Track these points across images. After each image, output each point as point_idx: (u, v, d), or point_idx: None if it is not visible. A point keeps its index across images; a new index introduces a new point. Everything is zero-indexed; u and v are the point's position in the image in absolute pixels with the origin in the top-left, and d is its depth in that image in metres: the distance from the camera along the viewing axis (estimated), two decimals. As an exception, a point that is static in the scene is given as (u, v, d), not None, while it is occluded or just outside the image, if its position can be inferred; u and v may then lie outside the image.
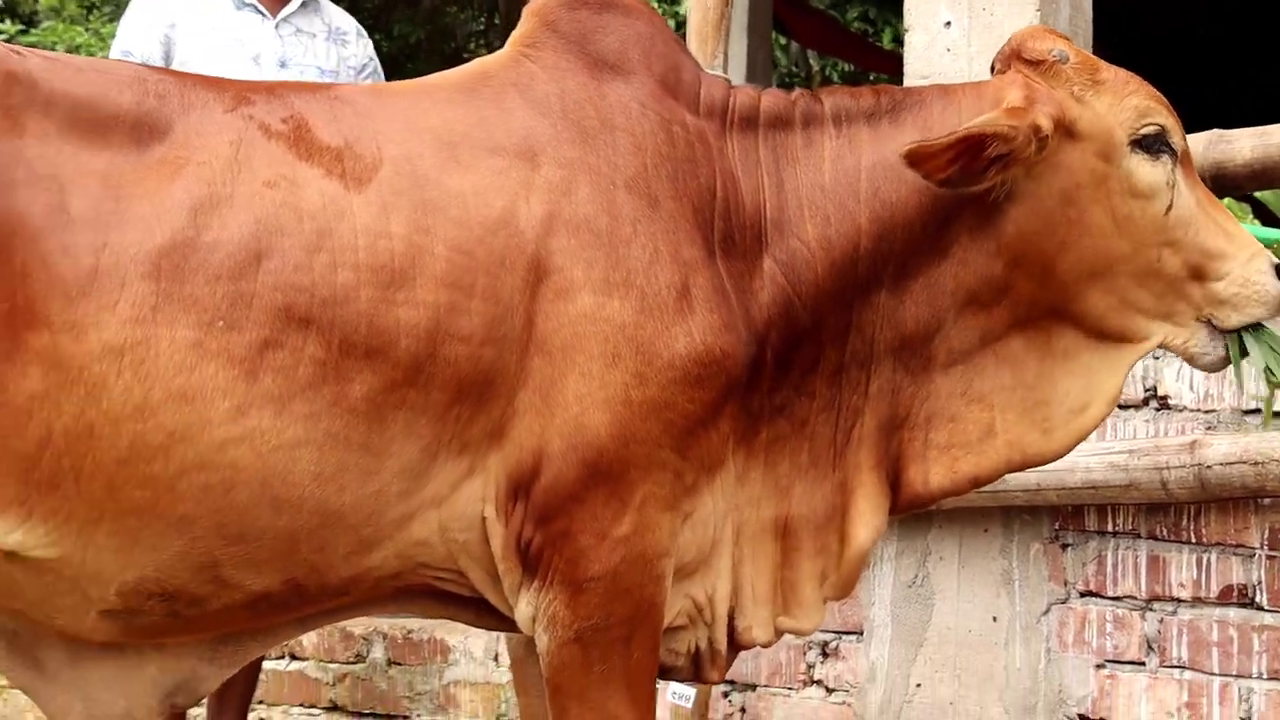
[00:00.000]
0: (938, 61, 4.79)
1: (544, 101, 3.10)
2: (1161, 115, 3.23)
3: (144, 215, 2.76)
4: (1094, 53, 3.43)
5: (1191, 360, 3.32)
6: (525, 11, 3.27)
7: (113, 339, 2.70)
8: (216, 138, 2.87)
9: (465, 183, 2.95)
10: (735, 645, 3.29)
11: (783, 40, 12.40)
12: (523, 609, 3.02)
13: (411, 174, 2.93)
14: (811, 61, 13.51)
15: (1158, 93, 3.27)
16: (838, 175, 3.20)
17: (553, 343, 2.92)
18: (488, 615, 3.17)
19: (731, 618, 3.25)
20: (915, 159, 3.01)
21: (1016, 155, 3.06)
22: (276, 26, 5.14)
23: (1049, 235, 3.18)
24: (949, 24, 4.79)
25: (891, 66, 12.33)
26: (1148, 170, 3.19)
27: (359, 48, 5.30)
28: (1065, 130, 3.15)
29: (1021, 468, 3.37)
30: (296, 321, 2.79)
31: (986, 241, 3.20)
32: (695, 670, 3.30)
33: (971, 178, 3.05)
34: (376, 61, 5.39)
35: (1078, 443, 3.33)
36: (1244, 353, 3.26)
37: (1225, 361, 3.29)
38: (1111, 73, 3.25)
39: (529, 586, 3.00)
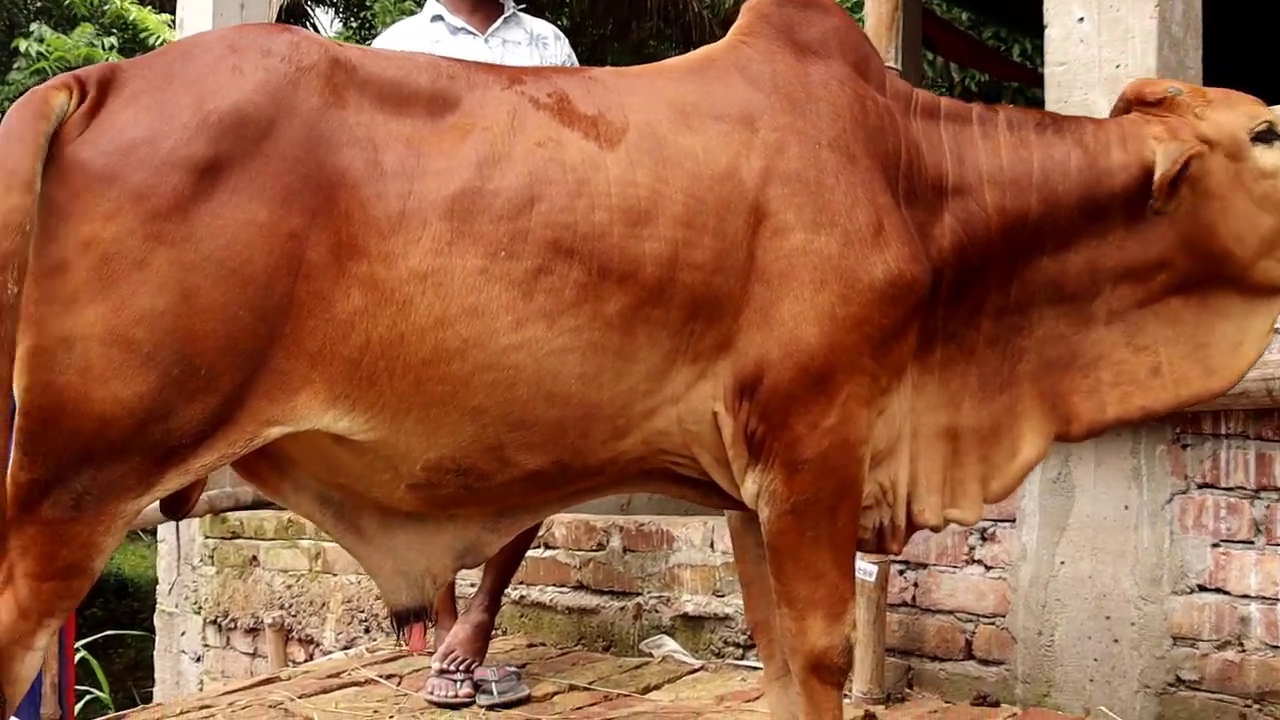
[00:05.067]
0: (1073, 51, 4.65)
1: (759, 78, 3.09)
2: (1267, 112, 3.24)
3: (440, 169, 2.79)
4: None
5: None
6: (743, 9, 3.29)
7: (417, 266, 2.73)
8: (496, 109, 2.89)
9: (696, 143, 2.95)
10: (911, 525, 3.28)
11: (929, 55, 12.18)
12: (748, 487, 3.03)
13: (652, 136, 2.93)
14: (953, 73, 13.25)
15: (1254, 97, 3.29)
16: (1014, 161, 3.21)
17: (770, 272, 2.91)
18: (712, 493, 3.18)
19: (909, 502, 3.24)
20: (1163, 185, 3.13)
21: (1196, 171, 3.15)
22: (486, 40, 5.13)
23: (1203, 225, 3.19)
24: (1081, 19, 4.65)
25: (1021, 76, 12.10)
26: (1270, 156, 3.19)
27: (557, 49, 5.25)
28: (1204, 143, 3.18)
29: (1190, 403, 3.32)
30: (563, 252, 2.80)
31: (1143, 233, 3.22)
32: (879, 543, 3.27)
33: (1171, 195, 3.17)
34: (575, 59, 5.34)
35: (1238, 379, 3.29)
36: None
37: None
38: (1216, 92, 3.27)
39: (754, 468, 3.00)
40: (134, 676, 11.51)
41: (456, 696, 4.76)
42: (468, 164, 2.80)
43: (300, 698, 4.91)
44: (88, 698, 9.07)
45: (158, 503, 2.87)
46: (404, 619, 3.07)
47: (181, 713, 4.82)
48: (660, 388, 2.92)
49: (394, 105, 2.84)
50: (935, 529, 3.27)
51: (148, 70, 2.74)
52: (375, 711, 4.71)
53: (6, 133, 2.58)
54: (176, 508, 2.97)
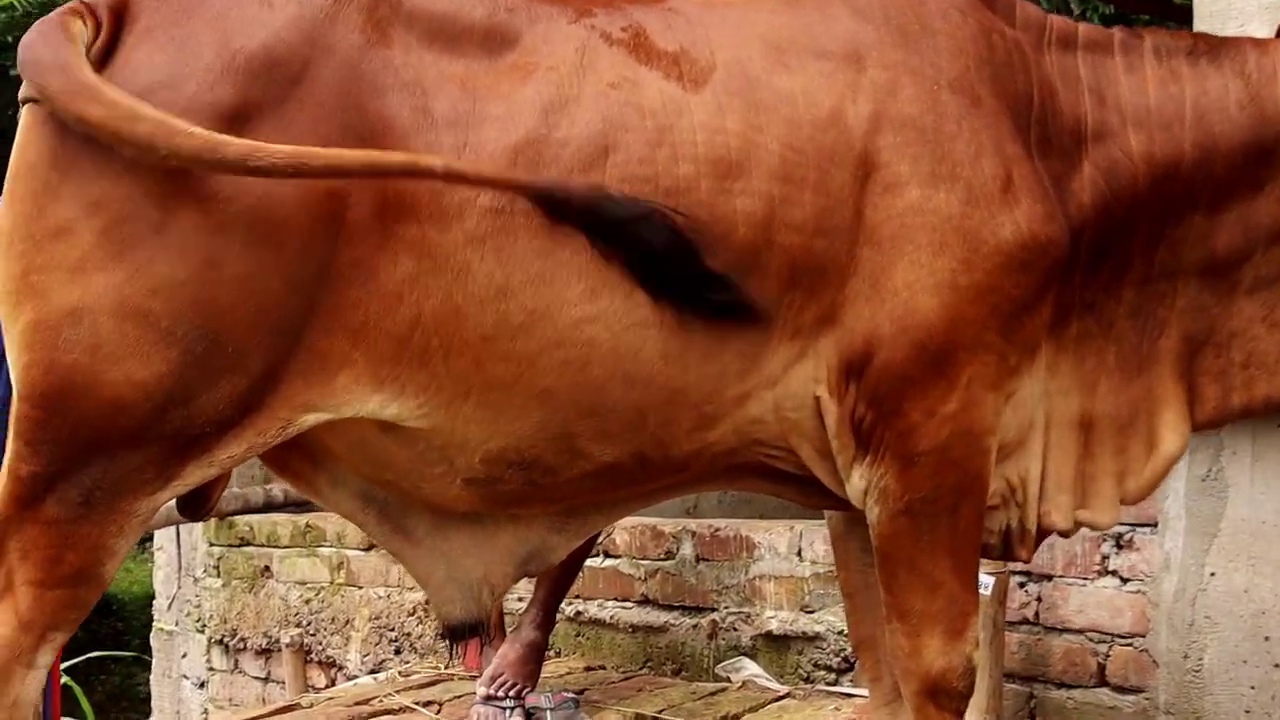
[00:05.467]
0: (1227, -14, 4.62)
1: (866, 9, 3.08)
2: None
3: (499, 115, 2.80)
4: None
5: None
6: None
7: (475, 228, 2.75)
8: (562, 45, 2.90)
9: (794, 84, 2.95)
10: (1039, 529, 3.28)
11: (1042, -17, 12.08)
12: (855, 483, 3.03)
13: (743, 76, 2.94)
14: (1072, 5, 13.16)
15: None
16: (1162, 99, 3.18)
17: (881, 233, 2.92)
18: (813, 492, 3.19)
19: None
20: None
21: None
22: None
23: None
24: (1236, -49, 4.62)
25: (1158, 7, 11.96)
26: None
27: None
28: None
29: None
30: None
31: None
32: (1005, 549, 3.28)
33: None
34: None
35: None
36: None
37: None
38: None
39: (861, 461, 3.01)
40: (119, 706, 11.61)
41: (506, 727, 4.79)
42: (531, 109, 2.82)
43: (326, 728, 4.97)
44: (71, 730, 9.15)
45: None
46: (458, 634, 3.09)
47: (191, 745, 4.89)
48: (754, 369, 2.93)
49: (445, 42, 2.86)
50: (1064, 533, 3.27)
51: (164, 1, 2.77)
52: (413, 744, 4.76)
53: (42, 65, 2.62)
54: (196, 507, 3.00)
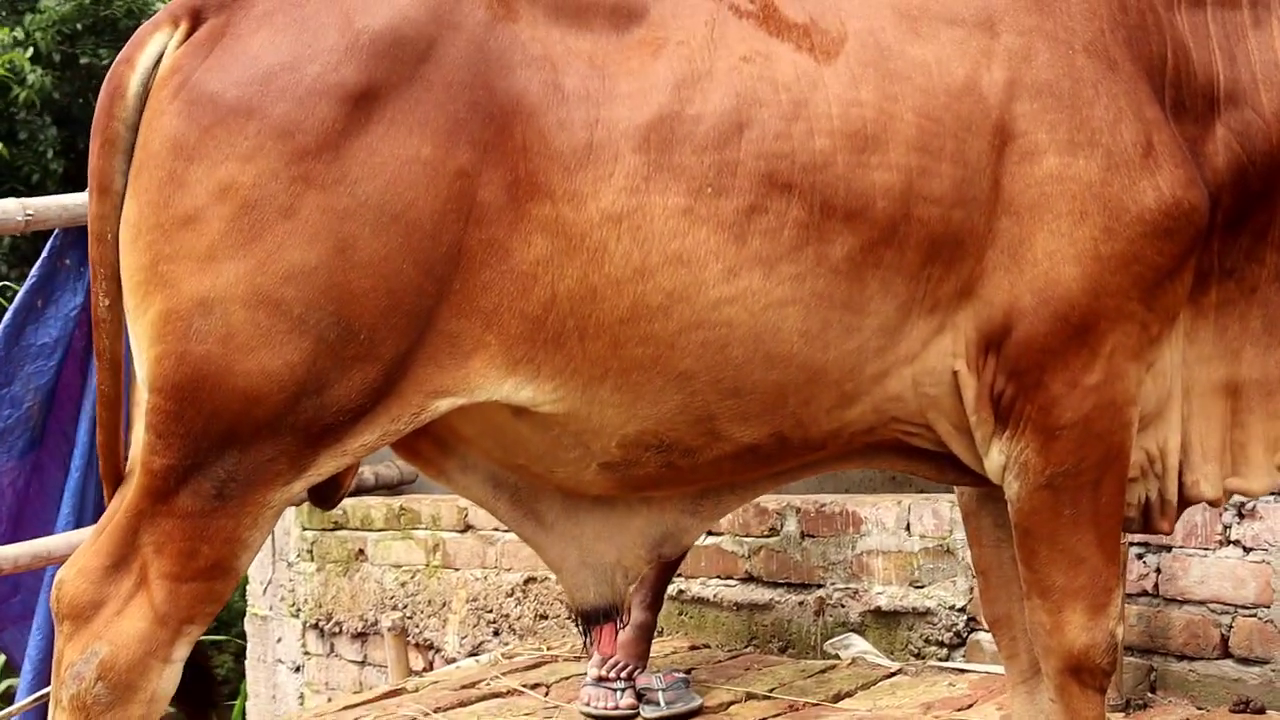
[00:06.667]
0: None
1: None
2: None
3: (630, 92, 2.77)
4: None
5: None
6: None
7: (610, 207, 2.72)
8: (691, 19, 2.87)
9: (927, 52, 2.91)
10: (1183, 500, 3.23)
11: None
12: (994, 458, 2.99)
13: (876, 46, 2.89)
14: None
15: None
16: None
17: (1020, 203, 2.87)
18: (948, 468, 3.15)
19: (1180, 473, 3.17)
20: None
21: None
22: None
23: None
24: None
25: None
26: None
27: None
28: None
29: None
30: (779, 187, 2.77)
31: None
32: (1145, 521, 3.22)
33: None
34: None
35: None
36: None
37: None
38: None
39: (1000, 436, 2.97)
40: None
41: (618, 708, 4.79)
42: (662, 85, 2.78)
43: (435, 712, 4.96)
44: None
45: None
46: (592, 619, 3.06)
47: (298, 731, 4.90)
48: (894, 345, 2.89)
49: (571, 17, 2.83)
50: (1213, 503, 3.22)
51: None
52: (525, 727, 4.75)
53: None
54: (328, 496, 2.99)
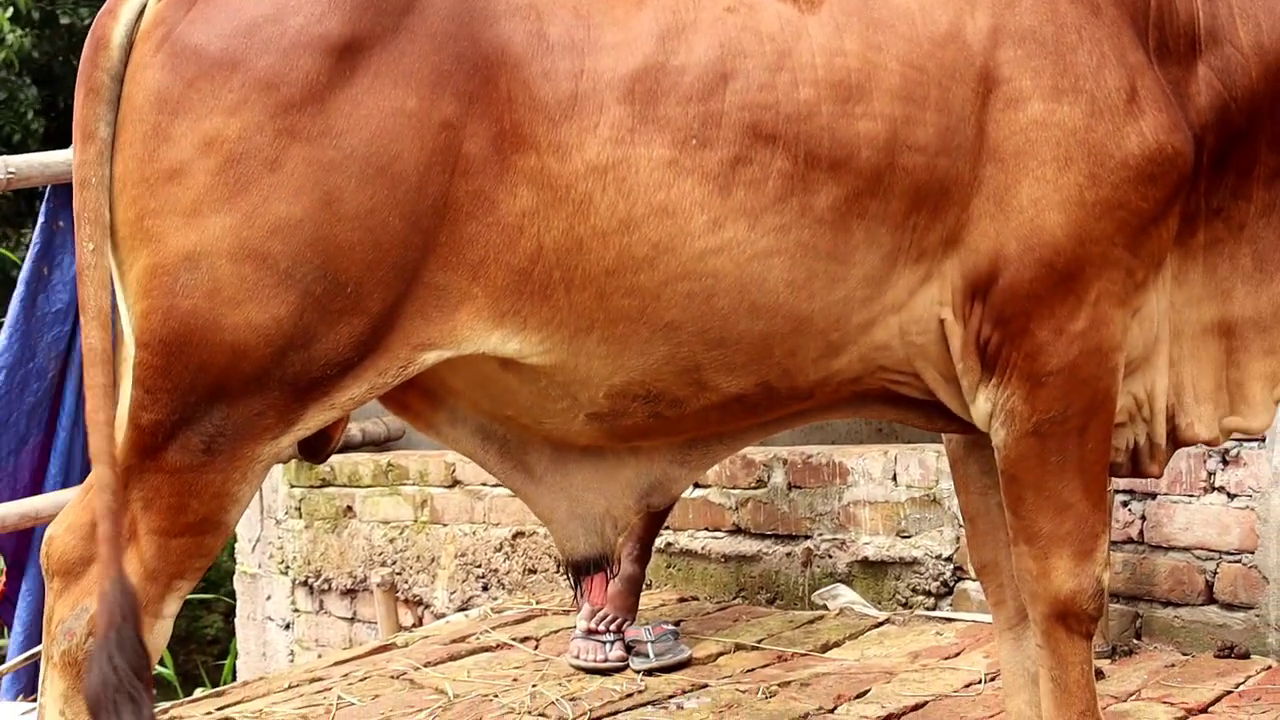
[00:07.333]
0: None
1: None
2: None
3: (615, 42, 2.77)
4: None
5: None
6: None
7: (595, 159, 2.72)
8: None
9: (911, 0, 2.89)
10: (1177, 443, 3.24)
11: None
12: (980, 405, 3.00)
13: None
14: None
15: None
16: None
17: (1004, 150, 2.87)
18: (935, 416, 3.16)
19: (1172, 416, 3.19)
20: None
21: None
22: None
23: None
24: None
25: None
26: None
27: None
28: None
29: None
30: (764, 138, 2.77)
31: None
32: (1134, 466, 3.24)
33: None
34: None
35: None
36: None
37: None
38: None
39: (987, 384, 2.98)
40: (186, 649, 11.70)
41: (607, 660, 4.80)
42: (647, 36, 2.78)
43: (425, 666, 4.98)
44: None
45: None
46: (582, 570, 3.07)
47: (290, 686, 4.91)
48: (880, 294, 2.89)
49: None
50: (1210, 444, 3.23)
51: None
52: (515, 680, 4.77)
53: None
54: (318, 449, 2.99)
